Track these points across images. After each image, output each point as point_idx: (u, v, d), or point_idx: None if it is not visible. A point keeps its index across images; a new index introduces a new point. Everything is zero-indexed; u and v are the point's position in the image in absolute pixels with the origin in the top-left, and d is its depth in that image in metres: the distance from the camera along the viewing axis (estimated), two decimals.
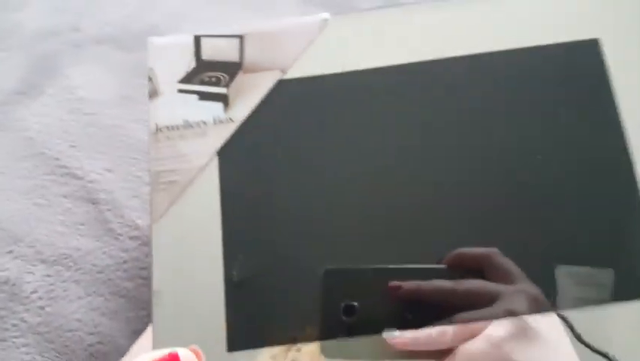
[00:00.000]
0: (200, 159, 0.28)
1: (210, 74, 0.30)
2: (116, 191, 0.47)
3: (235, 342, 0.25)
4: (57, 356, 0.40)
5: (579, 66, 0.30)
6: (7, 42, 0.59)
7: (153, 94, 0.30)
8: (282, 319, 0.26)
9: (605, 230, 0.27)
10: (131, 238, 0.44)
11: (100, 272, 0.43)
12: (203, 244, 0.27)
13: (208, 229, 0.27)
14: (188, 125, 0.29)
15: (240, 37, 0.30)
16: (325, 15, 0.31)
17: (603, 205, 0.27)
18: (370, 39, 0.30)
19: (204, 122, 0.29)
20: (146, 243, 0.44)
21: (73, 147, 0.50)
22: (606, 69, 0.29)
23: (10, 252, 0.44)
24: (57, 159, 0.49)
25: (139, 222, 0.45)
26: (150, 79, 0.30)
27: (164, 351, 0.23)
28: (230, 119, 0.29)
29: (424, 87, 0.30)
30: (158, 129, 0.29)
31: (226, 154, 0.28)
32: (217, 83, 0.29)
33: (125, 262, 0.43)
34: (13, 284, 0.43)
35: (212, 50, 0.30)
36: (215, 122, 0.29)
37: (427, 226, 0.27)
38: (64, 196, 0.47)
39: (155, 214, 0.27)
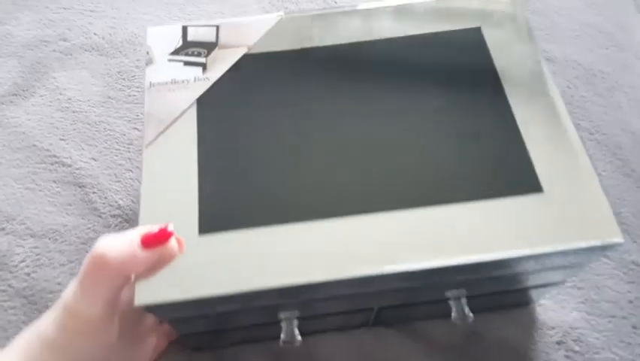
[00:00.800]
0: (183, 104, 0.37)
1: (193, 49, 0.39)
2: (100, 176, 0.53)
3: (205, 227, 0.32)
4: (38, 314, 0.45)
5: (467, 47, 0.39)
6: (0, 50, 0.65)
7: (149, 62, 0.39)
8: (242, 211, 0.33)
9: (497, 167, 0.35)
10: (113, 215, 0.50)
11: (83, 243, 0.48)
12: (182, 161, 0.35)
13: (187, 151, 0.35)
14: (174, 82, 0.38)
15: (217, 26, 0.41)
16: (280, 13, 0.42)
17: (496, 150, 0.35)
18: (310, 29, 0.40)
19: (187, 80, 0.38)
20: (126, 220, 0.50)
21: (62, 140, 0.56)
22: (488, 48, 0.38)
23: (3, 229, 0.50)
24: (47, 150, 0.55)
25: (121, 202, 0.51)
26: (147, 53, 0.38)
27: (155, 226, 0.30)
28: (207, 78, 0.38)
29: (346, 61, 0.39)
30: (151, 85, 0.38)
31: (203, 101, 0.37)
32: (198, 55, 0.39)
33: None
34: (4, 255, 0.48)
35: (195, 35, 0.40)
36: (196, 80, 0.38)
37: (359, 161, 0.35)
38: (54, 181, 0.53)
39: (146, 142, 0.36)
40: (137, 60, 0.63)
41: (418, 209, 0.32)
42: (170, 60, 0.39)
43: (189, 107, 0.37)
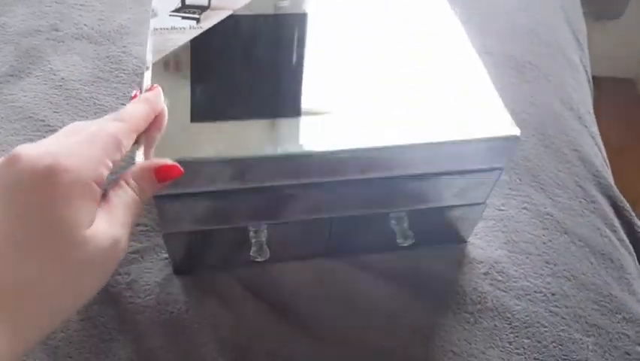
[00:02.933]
0: (180, 42, 0.47)
1: (190, 9, 0.50)
2: None
3: (197, 116, 0.41)
4: None
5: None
6: None
7: (154, 15, 0.50)
8: (223, 107, 0.43)
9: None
10: None
11: None
12: (178, 74, 0.45)
13: (181, 68, 0.46)
14: (173, 28, 0.48)
15: None
16: None
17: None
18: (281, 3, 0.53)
19: (184, 28, 0.49)
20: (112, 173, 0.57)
21: (56, 112, 0.63)
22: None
23: None
24: (42, 120, 0.62)
25: None
26: (152, 10, 0.50)
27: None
28: (200, 27, 0.49)
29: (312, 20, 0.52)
30: (155, 30, 0.48)
31: (195, 40, 0.48)
32: (194, 13, 0.50)
33: None
34: None
35: (191, 1, 0.51)
36: (191, 28, 0.49)
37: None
38: None
39: (147, 64, 0.46)
40: (124, 47, 0.70)
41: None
42: (170, 15, 0.50)
43: (185, 45, 0.47)
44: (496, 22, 0.79)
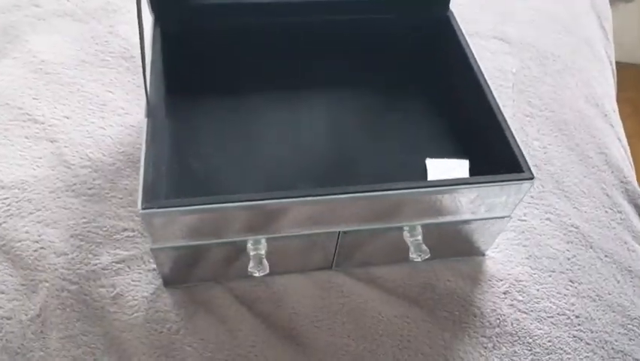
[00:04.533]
0: None
1: None
2: (72, 132, 0.54)
3: None
4: (11, 263, 0.46)
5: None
6: None
7: None
8: None
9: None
10: (82, 167, 0.51)
11: (51, 192, 0.49)
12: None
13: None
14: None
15: None
16: None
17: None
18: None
19: None
20: (95, 170, 0.51)
21: (35, 99, 0.57)
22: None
23: None
24: (20, 108, 0.56)
25: (91, 155, 0.52)
26: None
27: None
28: None
29: None
30: None
31: None
32: None
33: (74, 184, 0.50)
34: None
35: None
36: None
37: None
38: (26, 137, 0.54)
39: None
40: (111, 26, 0.64)
41: None
42: None
43: None
44: (515, 7, 0.73)
